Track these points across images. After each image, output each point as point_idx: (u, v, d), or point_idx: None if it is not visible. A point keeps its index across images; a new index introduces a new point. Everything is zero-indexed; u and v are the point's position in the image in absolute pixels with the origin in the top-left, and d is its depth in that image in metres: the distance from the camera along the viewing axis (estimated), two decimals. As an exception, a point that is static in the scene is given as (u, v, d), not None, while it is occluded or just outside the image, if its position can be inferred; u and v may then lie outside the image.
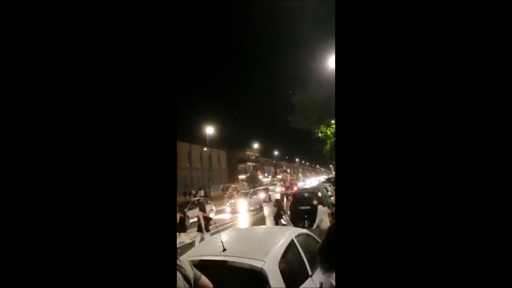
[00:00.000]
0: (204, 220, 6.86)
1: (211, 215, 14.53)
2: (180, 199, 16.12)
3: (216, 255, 2.05)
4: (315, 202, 7.33)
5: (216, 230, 2.55)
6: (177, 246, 6.92)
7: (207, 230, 6.80)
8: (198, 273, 1.53)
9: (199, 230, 6.78)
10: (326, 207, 6.05)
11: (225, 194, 24.24)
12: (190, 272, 1.48)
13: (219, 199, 22.53)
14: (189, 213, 11.88)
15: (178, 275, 1.40)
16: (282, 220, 6.77)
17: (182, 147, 31.87)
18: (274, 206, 7.46)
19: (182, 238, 7.25)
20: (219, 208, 16.95)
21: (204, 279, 1.54)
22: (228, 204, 17.22)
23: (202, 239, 6.68)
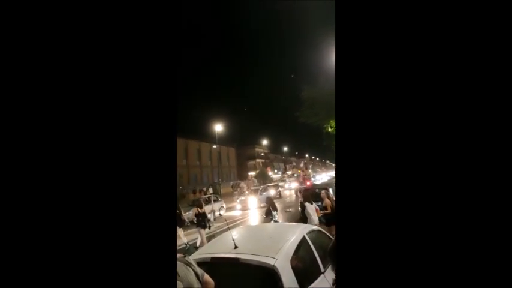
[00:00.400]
0: (200, 216, 7.09)
1: (222, 212, 14.69)
2: (190, 196, 16.29)
3: (228, 253, 2.06)
4: (300, 199, 7.25)
5: (226, 227, 2.55)
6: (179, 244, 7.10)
7: (204, 226, 7.09)
8: (201, 270, 1.55)
9: (198, 225, 7.12)
10: (314, 204, 6.03)
11: (235, 191, 24.36)
12: (197, 268, 1.51)
13: (229, 196, 22.66)
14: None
15: (191, 271, 1.42)
16: (272, 217, 6.83)
17: (192, 145, 32.14)
18: (266, 203, 7.52)
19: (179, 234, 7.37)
20: (230, 205, 17.05)
21: (206, 276, 1.57)
22: (238, 201, 17.31)
23: (201, 234, 6.99)
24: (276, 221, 6.79)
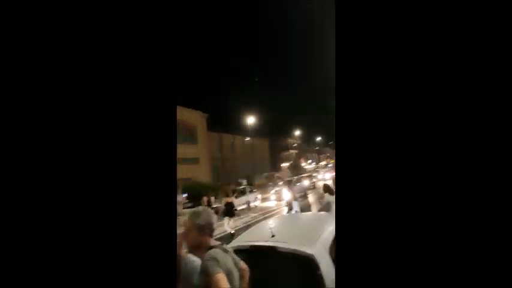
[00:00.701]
0: (228, 205, 7.71)
1: (257, 203, 14.91)
2: (225, 188, 16.77)
3: (266, 241, 2.07)
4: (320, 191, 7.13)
5: (262, 217, 2.57)
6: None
7: (232, 215, 7.72)
8: (238, 258, 1.59)
9: (226, 214, 7.73)
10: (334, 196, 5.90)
11: (270, 182, 24.53)
12: (234, 255, 1.55)
13: (263, 187, 22.85)
14: (235, 201, 12.41)
15: (229, 258, 1.46)
16: (293, 207, 6.80)
17: (226, 139, 32.83)
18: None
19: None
20: (264, 196, 17.22)
21: (243, 263, 1.60)
22: (272, 192, 17.40)
23: (228, 223, 7.57)
24: (296, 211, 6.81)
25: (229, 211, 7.70)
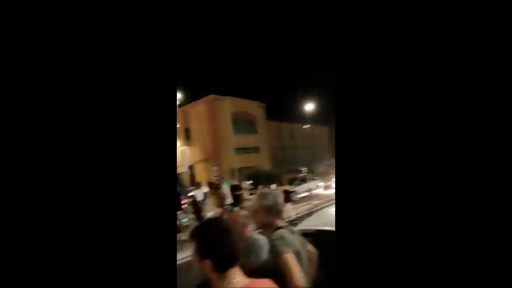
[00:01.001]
0: (285, 193, 8.23)
1: (318, 191, 14.71)
2: (286, 176, 16.96)
3: (331, 226, 2.05)
4: None
5: (326, 204, 2.55)
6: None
7: (287, 201, 8.20)
8: (305, 240, 1.61)
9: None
10: None
11: (331, 170, 23.88)
12: (300, 238, 1.58)
13: (325, 175, 22.35)
14: (296, 188, 12.48)
15: (296, 239, 1.49)
16: None
17: (285, 127, 32.85)
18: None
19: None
20: (327, 184, 16.91)
21: (310, 245, 1.62)
22: (334, 179, 16.92)
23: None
24: None
25: (286, 198, 8.15)
